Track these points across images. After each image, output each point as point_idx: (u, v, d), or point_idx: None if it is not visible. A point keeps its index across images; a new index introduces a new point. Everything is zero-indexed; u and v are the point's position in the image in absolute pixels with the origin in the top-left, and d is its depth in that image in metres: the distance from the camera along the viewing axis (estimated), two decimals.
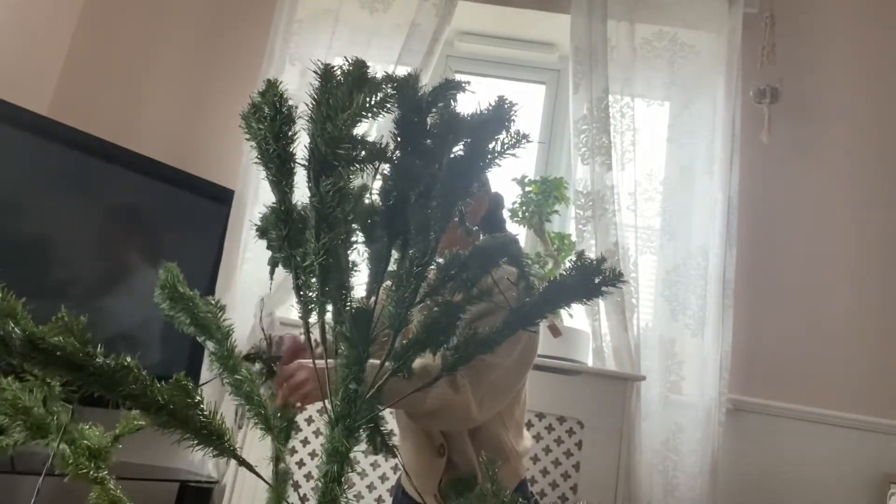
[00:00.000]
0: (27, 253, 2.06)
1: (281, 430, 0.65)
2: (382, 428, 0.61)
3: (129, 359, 0.48)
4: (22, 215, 2.08)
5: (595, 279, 0.47)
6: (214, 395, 2.21)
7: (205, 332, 0.63)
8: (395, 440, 1.43)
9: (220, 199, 2.41)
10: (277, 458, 0.61)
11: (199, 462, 2.27)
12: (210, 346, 0.63)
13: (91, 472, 0.57)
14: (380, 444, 0.62)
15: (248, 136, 0.53)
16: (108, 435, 0.59)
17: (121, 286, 2.25)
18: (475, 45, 2.82)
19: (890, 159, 2.45)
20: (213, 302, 0.65)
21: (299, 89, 2.46)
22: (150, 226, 2.34)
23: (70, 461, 0.57)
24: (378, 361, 0.57)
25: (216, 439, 0.55)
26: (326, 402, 0.56)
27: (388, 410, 1.35)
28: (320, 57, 2.53)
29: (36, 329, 0.45)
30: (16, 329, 0.42)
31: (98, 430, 0.59)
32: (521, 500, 0.53)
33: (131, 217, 2.30)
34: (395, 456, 0.63)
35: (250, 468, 0.64)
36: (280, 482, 0.61)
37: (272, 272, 0.57)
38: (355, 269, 0.54)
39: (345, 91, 0.49)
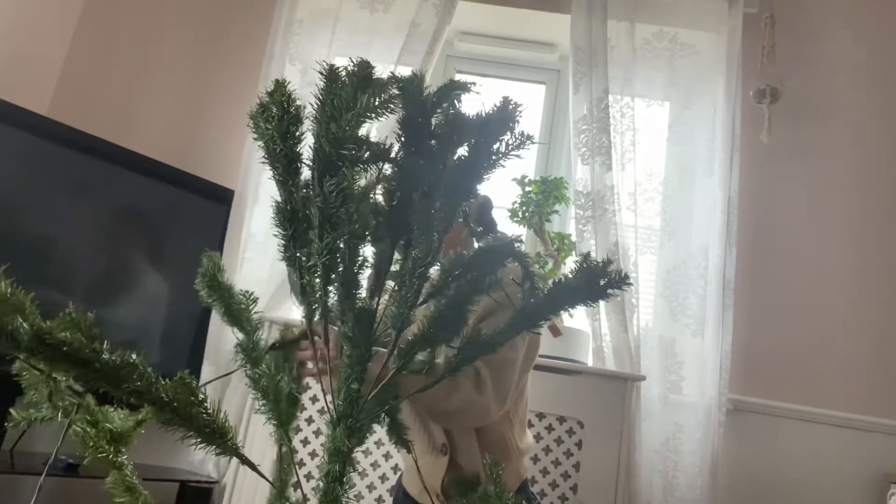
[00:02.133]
0: (27, 253, 2.06)
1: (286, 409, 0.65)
2: (399, 420, 0.61)
3: (134, 355, 0.48)
4: (22, 215, 2.08)
5: (600, 281, 0.47)
6: (216, 393, 2.22)
7: (236, 322, 0.64)
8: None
9: (220, 199, 2.41)
10: (281, 444, 0.61)
11: (199, 462, 2.27)
12: (239, 335, 0.64)
13: (110, 456, 0.57)
14: (398, 437, 0.62)
15: (255, 135, 0.53)
16: (131, 418, 0.59)
17: (121, 286, 2.25)
18: (475, 45, 2.82)
19: (890, 159, 2.45)
20: (246, 294, 0.66)
21: (300, 89, 2.43)
22: (150, 226, 2.34)
23: (90, 443, 0.57)
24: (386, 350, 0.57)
25: (219, 437, 0.55)
26: (328, 401, 0.56)
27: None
28: (320, 57, 2.53)
29: (43, 324, 0.45)
30: (24, 324, 0.42)
31: (121, 414, 0.59)
32: (523, 502, 0.53)
33: (131, 217, 2.30)
34: (409, 451, 0.63)
35: (252, 466, 0.64)
36: (284, 465, 0.61)
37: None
38: (360, 269, 0.54)
39: (349, 92, 0.49)
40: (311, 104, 0.52)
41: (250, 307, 0.66)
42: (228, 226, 2.38)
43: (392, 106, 0.49)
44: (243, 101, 2.58)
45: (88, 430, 0.56)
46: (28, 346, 0.41)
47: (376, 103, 0.48)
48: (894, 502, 2.11)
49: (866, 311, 2.33)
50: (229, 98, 2.64)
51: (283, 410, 0.62)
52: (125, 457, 0.58)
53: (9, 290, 0.47)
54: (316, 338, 1.06)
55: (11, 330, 0.40)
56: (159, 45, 2.70)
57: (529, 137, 0.50)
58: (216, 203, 2.40)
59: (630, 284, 0.51)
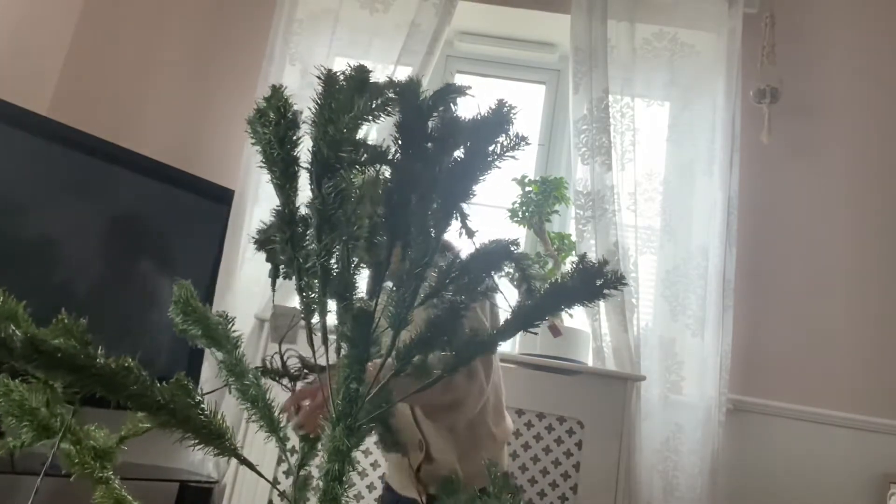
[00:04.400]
0: (27, 253, 2.06)
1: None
2: (390, 426, 0.62)
3: (129, 360, 0.48)
4: (22, 216, 2.08)
5: (597, 282, 0.47)
6: (215, 395, 2.22)
7: (215, 343, 0.64)
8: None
9: (220, 199, 2.41)
10: (300, 466, 0.61)
11: (199, 462, 2.28)
12: (219, 355, 0.64)
13: (96, 472, 0.57)
14: (390, 442, 0.62)
15: (253, 140, 0.53)
16: (113, 436, 0.60)
17: (121, 286, 2.25)
18: (475, 45, 2.83)
19: (889, 159, 2.45)
20: (222, 314, 0.66)
21: (300, 89, 2.46)
22: (151, 226, 2.34)
23: (76, 461, 0.57)
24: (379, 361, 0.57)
25: (217, 439, 0.56)
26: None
27: None
28: (320, 57, 2.53)
29: (37, 331, 0.45)
30: (17, 332, 0.42)
31: (104, 432, 0.60)
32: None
33: (131, 217, 2.30)
34: (405, 454, 0.64)
35: (251, 467, 0.64)
36: (300, 488, 0.61)
37: (273, 282, 0.57)
38: (357, 270, 0.54)
39: (347, 95, 0.49)
40: (310, 108, 0.52)
41: (228, 326, 0.66)
42: (228, 226, 2.39)
43: (389, 109, 0.50)
44: (243, 101, 2.58)
45: (72, 447, 0.57)
46: (21, 353, 0.41)
47: (373, 106, 0.48)
48: (894, 502, 2.11)
49: (866, 311, 2.33)
50: (229, 98, 2.64)
51: (275, 418, 0.63)
52: (111, 472, 0.58)
53: (0, 297, 0.47)
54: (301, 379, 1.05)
55: (4, 337, 0.40)
56: (159, 45, 2.70)
57: (524, 139, 0.50)
58: (216, 203, 2.41)
59: (626, 284, 0.51)
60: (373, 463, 1.99)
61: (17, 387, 0.55)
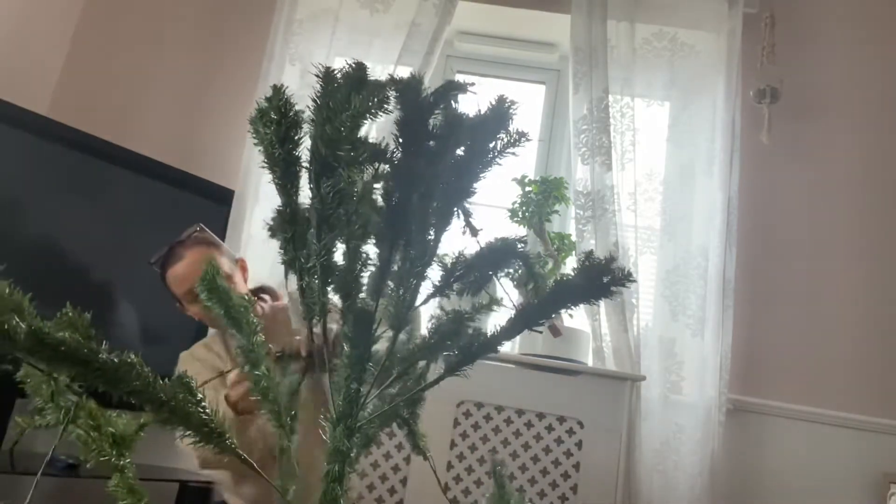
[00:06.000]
0: (26, 253, 2.06)
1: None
2: (415, 428, 0.62)
3: (132, 355, 0.48)
4: (22, 216, 2.08)
5: (603, 279, 0.47)
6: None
7: (235, 324, 0.64)
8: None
9: (221, 199, 2.41)
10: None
11: None
12: (239, 339, 0.64)
13: (113, 460, 0.57)
14: (414, 444, 0.62)
15: (255, 140, 0.53)
16: (133, 422, 0.60)
17: (121, 286, 2.25)
18: (475, 45, 2.83)
19: (890, 159, 2.45)
20: (245, 297, 0.66)
21: (300, 90, 2.46)
22: (151, 226, 2.34)
23: (93, 448, 0.57)
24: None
25: (217, 436, 0.55)
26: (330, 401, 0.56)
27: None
28: (320, 57, 2.53)
29: (41, 324, 0.45)
30: (21, 324, 0.42)
31: (124, 419, 0.60)
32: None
33: (131, 217, 2.30)
34: (425, 457, 0.63)
35: (251, 465, 0.64)
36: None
37: (286, 271, 0.57)
38: (359, 270, 0.54)
39: (344, 93, 0.49)
40: (308, 106, 0.52)
41: (249, 309, 0.66)
42: (228, 226, 2.38)
43: (388, 107, 0.49)
44: (243, 101, 2.58)
45: (91, 433, 0.57)
46: (25, 345, 0.41)
47: (371, 104, 0.48)
48: (894, 502, 2.11)
49: (866, 311, 2.33)
50: (229, 98, 2.64)
51: (283, 412, 0.63)
52: (128, 460, 0.59)
53: (6, 290, 0.47)
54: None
55: (9, 329, 0.41)
56: (159, 45, 2.70)
57: (524, 135, 0.50)
58: (216, 203, 2.40)
59: (634, 281, 0.51)
60: (373, 463, 1.99)
61: (37, 363, 0.55)
